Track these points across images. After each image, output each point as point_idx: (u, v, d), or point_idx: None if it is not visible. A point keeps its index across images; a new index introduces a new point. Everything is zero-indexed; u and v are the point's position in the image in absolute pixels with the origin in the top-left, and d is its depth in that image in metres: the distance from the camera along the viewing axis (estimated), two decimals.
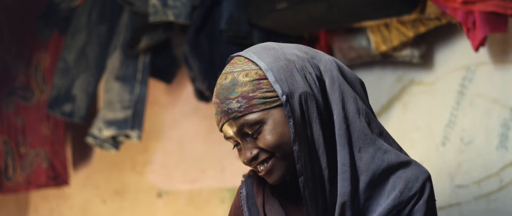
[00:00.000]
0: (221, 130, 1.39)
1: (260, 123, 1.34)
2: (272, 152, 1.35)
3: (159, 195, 3.28)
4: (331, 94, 1.37)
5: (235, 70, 1.38)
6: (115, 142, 2.99)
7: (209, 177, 3.12)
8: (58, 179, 3.45)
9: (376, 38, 2.30)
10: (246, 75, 1.36)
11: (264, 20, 2.42)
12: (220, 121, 1.37)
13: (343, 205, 1.35)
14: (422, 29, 2.21)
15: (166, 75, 3.04)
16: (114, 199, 3.45)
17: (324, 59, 1.41)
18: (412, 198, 1.37)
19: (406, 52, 2.29)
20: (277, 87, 1.33)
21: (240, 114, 1.34)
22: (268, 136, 1.33)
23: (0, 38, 3.40)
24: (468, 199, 2.11)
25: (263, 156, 1.36)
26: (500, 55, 2.09)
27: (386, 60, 2.40)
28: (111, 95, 2.92)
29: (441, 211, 2.15)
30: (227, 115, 1.35)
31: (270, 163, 1.36)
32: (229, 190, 3.03)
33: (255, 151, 1.35)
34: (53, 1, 3.22)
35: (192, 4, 2.64)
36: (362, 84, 1.45)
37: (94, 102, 3.29)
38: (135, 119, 2.90)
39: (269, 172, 1.36)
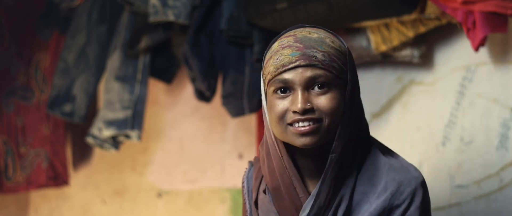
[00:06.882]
0: (284, 71, 1.41)
1: (330, 85, 1.40)
2: (323, 117, 1.39)
3: (159, 195, 3.28)
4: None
5: (320, 33, 1.44)
6: (115, 142, 2.99)
7: (209, 177, 3.12)
8: (58, 179, 3.44)
9: (376, 38, 2.30)
10: (332, 42, 1.43)
11: (264, 20, 2.42)
12: (295, 62, 1.39)
13: (342, 196, 1.42)
14: (422, 29, 2.21)
15: (166, 75, 3.04)
16: (114, 199, 3.45)
17: None
18: (403, 202, 1.38)
19: (406, 52, 2.29)
20: (348, 73, 1.43)
21: (322, 66, 1.39)
22: (332, 100, 1.39)
23: (0, 38, 3.39)
24: (468, 199, 2.11)
25: (315, 114, 1.39)
26: (500, 55, 2.09)
27: (386, 60, 2.40)
28: (111, 95, 2.92)
29: (441, 211, 2.15)
30: (309, 60, 1.39)
31: (317, 125, 1.39)
32: (229, 190, 3.03)
33: (310, 105, 1.39)
34: (53, 1, 3.21)
35: (192, 4, 2.64)
36: None
37: (94, 102, 3.29)
38: (135, 119, 2.90)
39: (312, 132, 1.39)
